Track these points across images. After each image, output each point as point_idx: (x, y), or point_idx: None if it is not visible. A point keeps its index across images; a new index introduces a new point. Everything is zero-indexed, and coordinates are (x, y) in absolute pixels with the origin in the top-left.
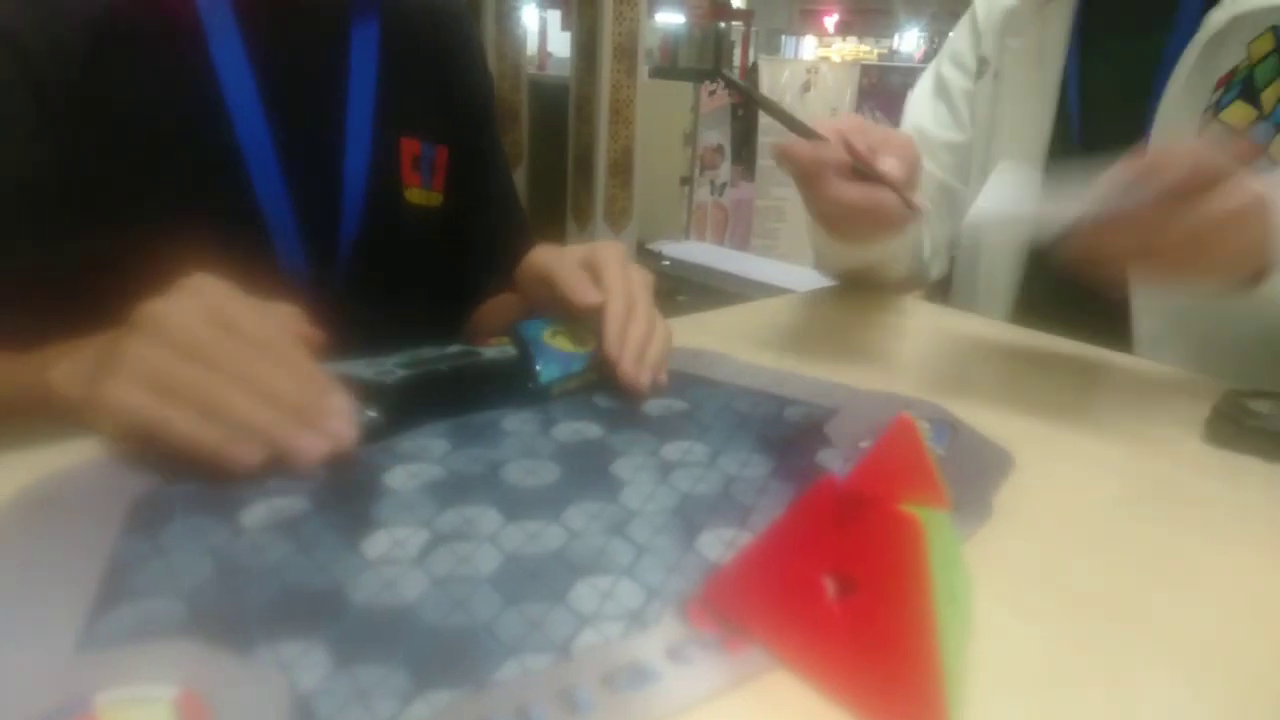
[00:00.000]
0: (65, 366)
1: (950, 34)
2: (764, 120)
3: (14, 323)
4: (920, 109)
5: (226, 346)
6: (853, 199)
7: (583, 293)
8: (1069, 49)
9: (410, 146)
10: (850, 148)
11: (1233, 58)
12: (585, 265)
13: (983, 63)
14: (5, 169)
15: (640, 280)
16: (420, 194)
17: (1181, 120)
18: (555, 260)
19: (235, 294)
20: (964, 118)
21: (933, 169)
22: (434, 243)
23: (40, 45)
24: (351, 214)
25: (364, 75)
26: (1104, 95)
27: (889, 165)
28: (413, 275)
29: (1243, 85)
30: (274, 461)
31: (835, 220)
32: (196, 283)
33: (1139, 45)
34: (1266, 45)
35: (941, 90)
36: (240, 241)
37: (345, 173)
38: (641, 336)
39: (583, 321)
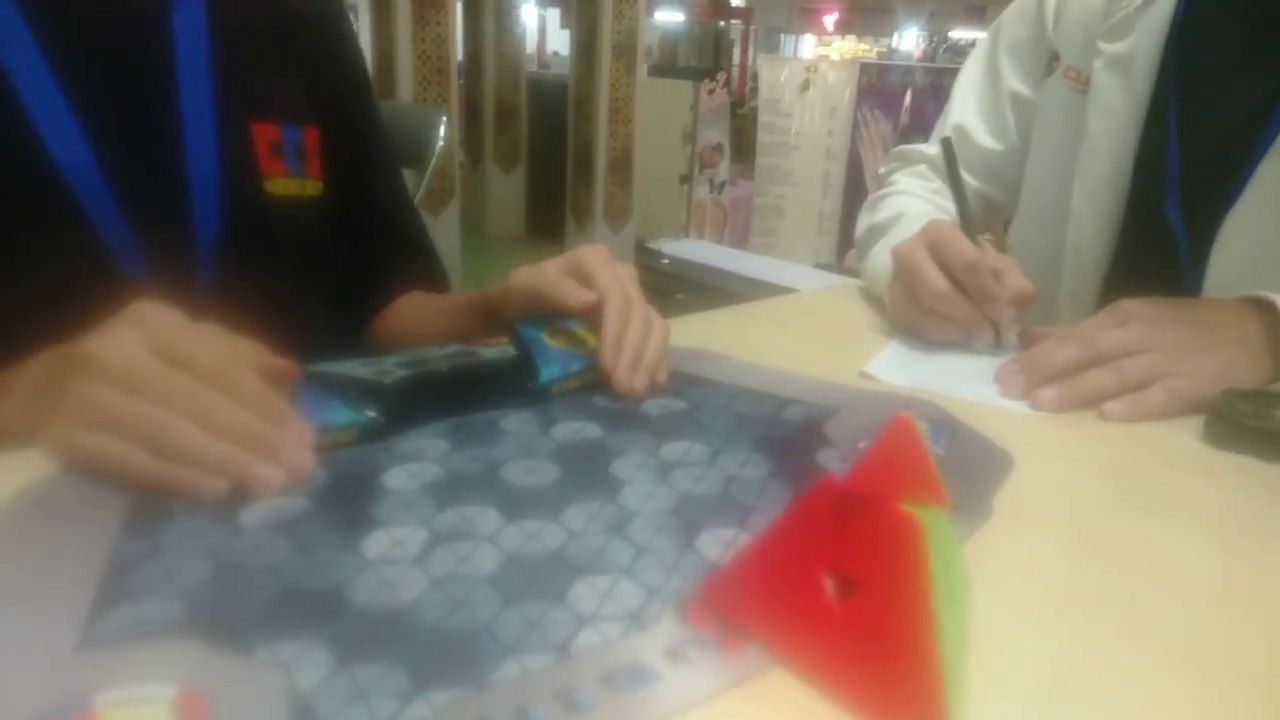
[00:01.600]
0: (9, 402)
1: (1005, 13)
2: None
3: None
4: (967, 104)
5: (175, 381)
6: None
7: (575, 294)
8: (1165, 61)
9: (265, 132)
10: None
11: None
12: (570, 271)
13: (1054, 58)
14: None
15: (630, 278)
16: (287, 183)
17: None
18: (537, 275)
19: (177, 321)
20: (1010, 125)
21: (968, 178)
22: (312, 235)
23: None
24: (205, 213)
25: (193, 61)
26: (1206, 121)
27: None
28: (293, 270)
29: None
30: (239, 490)
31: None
32: (137, 312)
33: (1256, 63)
34: None
35: (993, 87)
36: (80, 263)
37: (189, 169)
38: (639, 339)
39: (582, 321)
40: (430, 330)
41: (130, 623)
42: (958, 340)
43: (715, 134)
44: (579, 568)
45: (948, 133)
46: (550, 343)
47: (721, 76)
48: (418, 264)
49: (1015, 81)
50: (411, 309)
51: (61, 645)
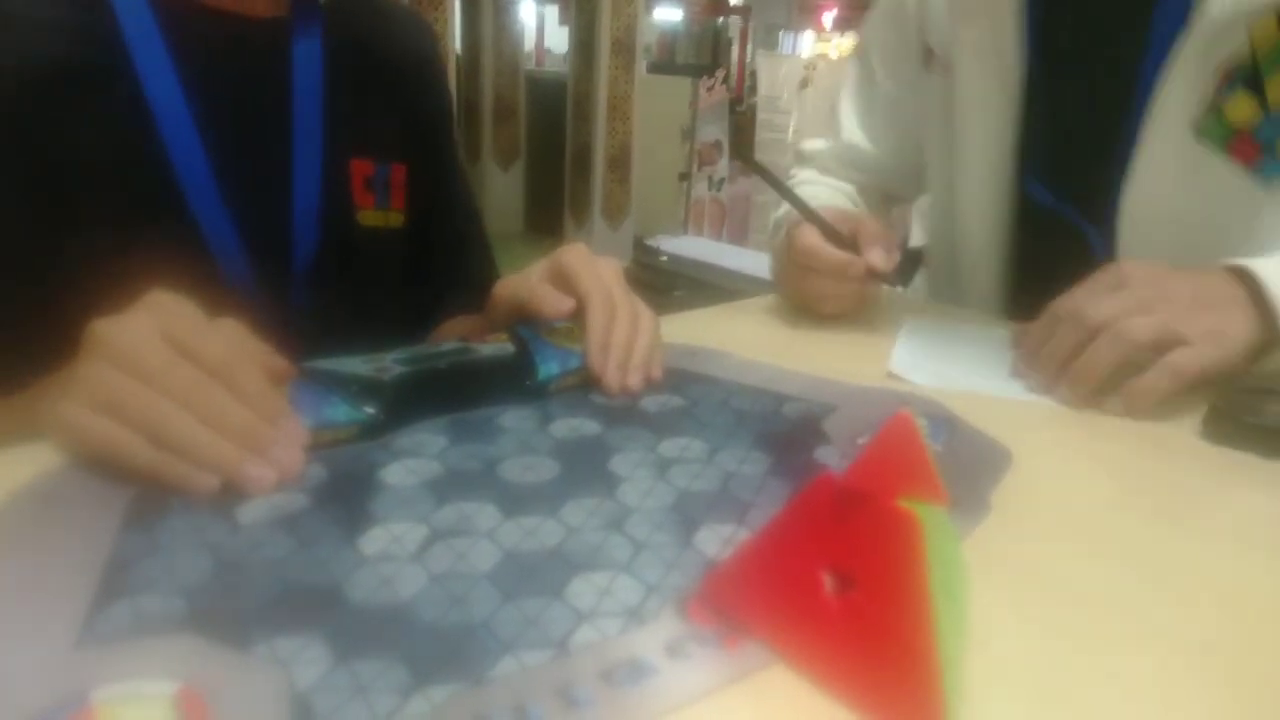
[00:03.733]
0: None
1: (869, 19)
2: (763, 117)
3: None
4: (849, 114)
5: (180, 371)
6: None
7: (553, 302)
8: (1026, 35)
9: (361, 168)
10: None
11: (1234, 44)
12: (552, 276)
13: (928, 54)
14: None
15: (614, 274)
16: (375, 215)
17: (1178, 117)
18: (519, 284)
19: (191, 312)
20: (886, 127)
21: (863, 177)
22: (392, 264)
23: None
24: (304, 238)
25: (308, 93)
26: (1078, 90)
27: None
28: (371, 297)
29: (1246, 75)
30: (231, 487)
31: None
32: (152, 300)
33: (1115, 28)
34: (1272, 31)
35: (868, 93)
36: (187, 272)
37: (295, 197)
38: (625, 338)
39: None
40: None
41: (130, 619)
42: (837, 303)
43: (714, 131)
44: (578, 564)
45: (833, 141)
46: (548, 339)
47: (720, 73)
48: (472, 296)
49: (888, 83)
50: (456, 322)
51: (61, 641)
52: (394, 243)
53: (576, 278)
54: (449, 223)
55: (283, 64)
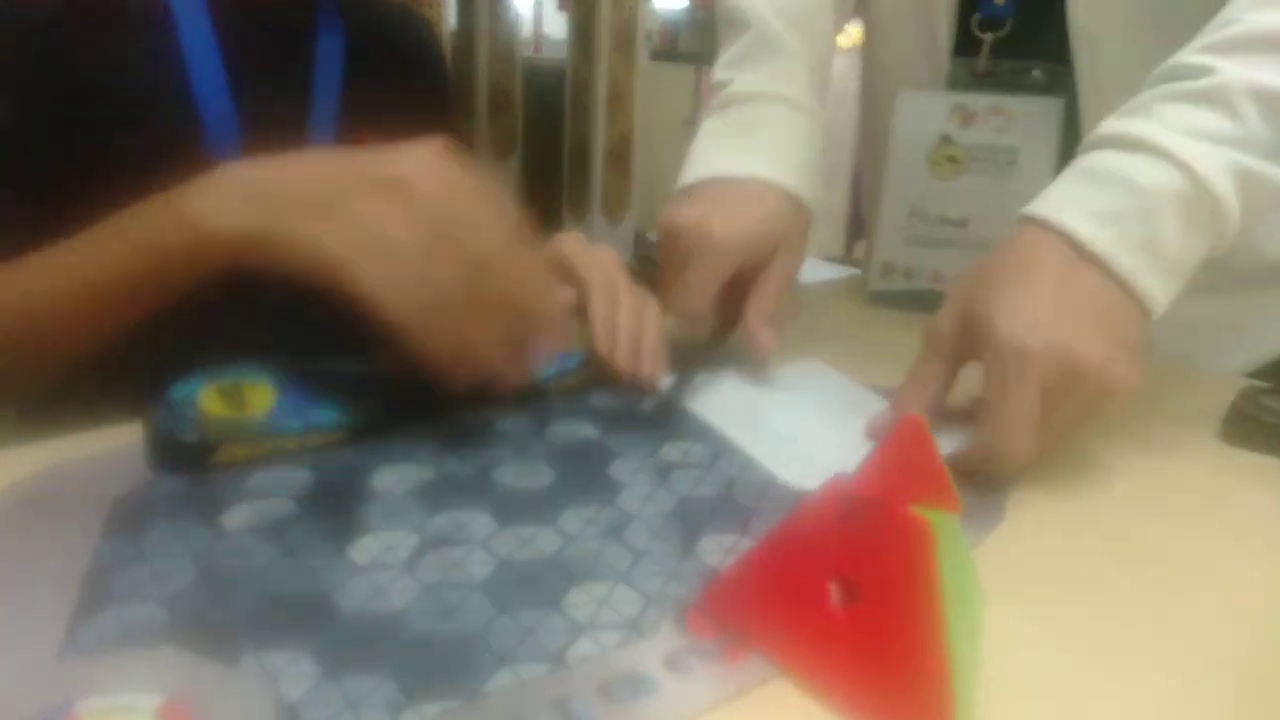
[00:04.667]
0: (207, 203)
1: None
2: None
3: None
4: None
5: (474, 245)
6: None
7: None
8: None
9: None
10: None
11: None
12: (550, 267)
13: None
14: None
15: (612, 261)
16: None
17: None
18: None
19: (471, 175)
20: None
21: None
22: None
23: (5, 10)
24: None
25: (327, 91)
26: None
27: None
28: None
29: None
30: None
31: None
32: (436, 154)
33: None
34: None
35: None
36: None
37: None
38: (633, 325)
39: (579, 318)
40: None
41: (113, 629)
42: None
43: None
44: (575, 574)
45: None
46: None
47: None
48: None
49: None
50: None
51: (43, 651)
52: None
53: (574, 265)
54: None
55: (307, 54)
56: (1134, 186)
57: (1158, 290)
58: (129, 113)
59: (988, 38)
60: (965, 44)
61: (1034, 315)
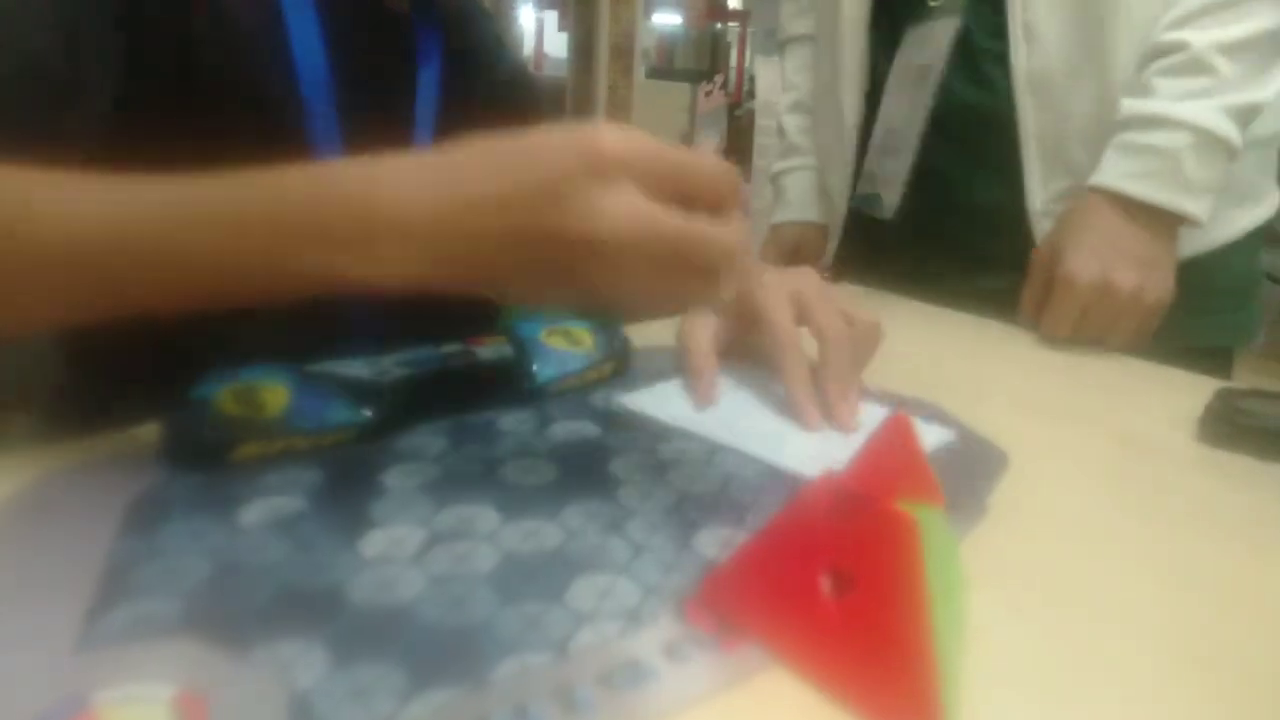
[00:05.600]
0: (370, 268)
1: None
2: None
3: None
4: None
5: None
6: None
7: (785, 329)
8: None
9: None
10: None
11: None
12: (790, 300)
13: None
14: (86, 44)
15: (841, 312)
16: None
17: None
18: (761, 295)
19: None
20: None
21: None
22: None
23: None
24: None
25: (425, 120)
26: None
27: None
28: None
29: None
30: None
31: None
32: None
33: None
34: None
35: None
36: None
37: None
38: (845, 389)
39: (581, 320)
40: None
41: (129, 622)
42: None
43: (712, 136)
44: (577, 566)
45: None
46: (546, 342)
47: (719, 79)
48: None
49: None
50: None
51: (60, 645)
52: None
53: (812, 314)
54: None
55: (410, 80)
56: (1157, 151)
57: (1193, 207)
58: (235, 86)
59: None
60: None
61: (1089, 250)
